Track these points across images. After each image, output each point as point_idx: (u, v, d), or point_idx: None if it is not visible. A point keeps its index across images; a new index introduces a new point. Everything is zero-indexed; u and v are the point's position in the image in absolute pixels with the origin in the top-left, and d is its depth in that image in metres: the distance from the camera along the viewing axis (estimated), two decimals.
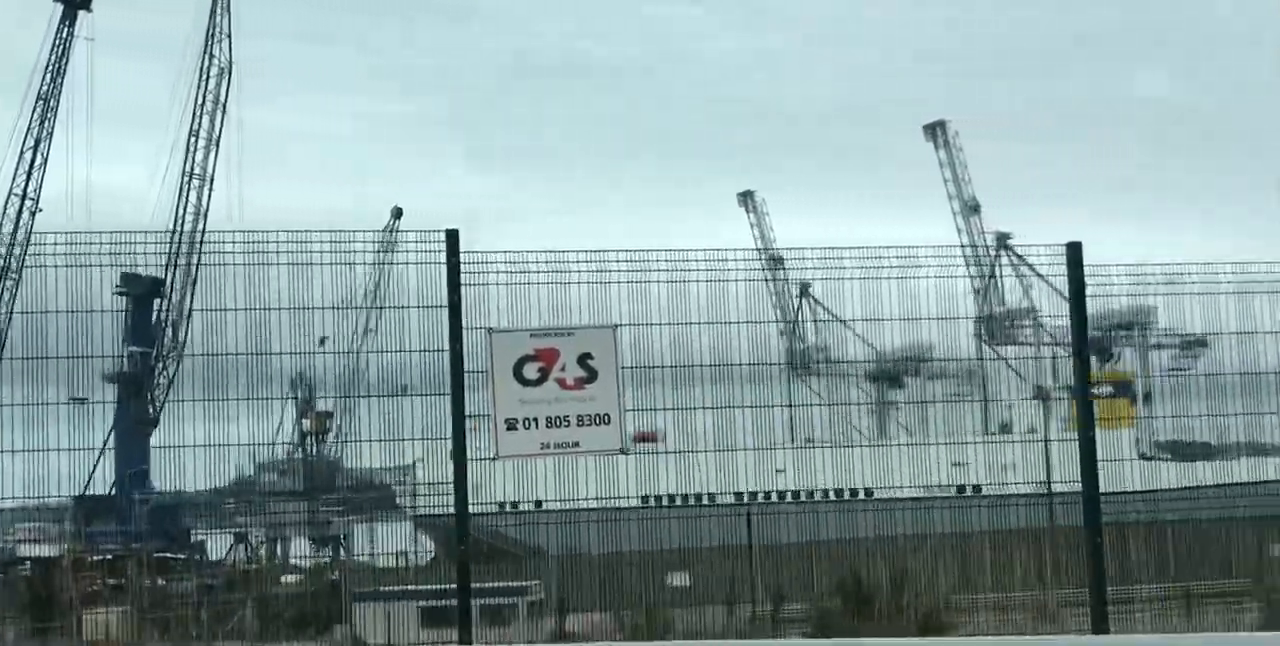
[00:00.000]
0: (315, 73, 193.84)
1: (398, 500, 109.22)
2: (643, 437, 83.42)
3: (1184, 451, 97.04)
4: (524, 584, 38.56)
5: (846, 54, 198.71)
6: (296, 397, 75.71)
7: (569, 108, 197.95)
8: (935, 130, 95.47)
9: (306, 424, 76.92)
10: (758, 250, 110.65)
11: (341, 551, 75.40)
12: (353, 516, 75.26)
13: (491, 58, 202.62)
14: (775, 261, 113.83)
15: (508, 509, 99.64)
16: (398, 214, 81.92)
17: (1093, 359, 76.77)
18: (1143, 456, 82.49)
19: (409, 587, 37.67)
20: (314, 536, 77.03)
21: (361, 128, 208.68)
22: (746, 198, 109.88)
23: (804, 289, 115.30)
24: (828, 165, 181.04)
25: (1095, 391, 69.78)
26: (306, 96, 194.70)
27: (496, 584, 39.08)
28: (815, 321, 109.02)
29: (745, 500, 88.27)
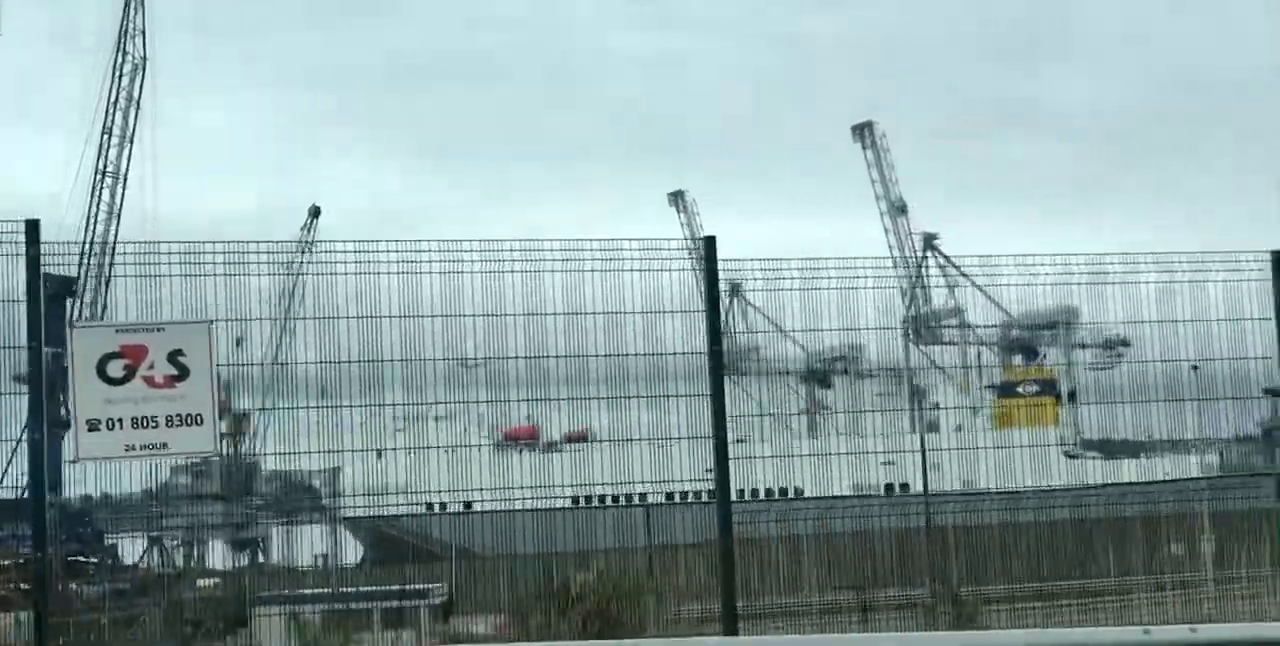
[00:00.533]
0: (228, 68, 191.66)
1: (323, 502, 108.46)
2: (574, 437, 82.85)
3: (1109, 449, 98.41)
4: (426, 586, 38.32)
5: (770, 53, 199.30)
6: (214, 397, 74.86)
7: (484, 104, 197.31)
8: (863, 131, 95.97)
9: (224, 425, 75.93)
10: (685, 246, 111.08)
11: (259, 555, 74.52)
12: (272, 519, 74.28)
13: (414, 53, 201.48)
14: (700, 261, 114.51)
15: (436, 509, 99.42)
16: (315, 212, 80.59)
17: (1018, 358, 77.72)
18: (1068, 455, 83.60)
19: (312, 591, 37.42)
20: (231, 539, 76.02)
21: (280, 124, 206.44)
22: (677, 197, 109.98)
23: (735, 289, 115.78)
24: (758, 164, 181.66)
25: (1021, 390, 70.72)
26: (226, 95, 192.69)
27: (394, 587, 38.90)
28: (746, 327, 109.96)
29: (676, 499, 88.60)
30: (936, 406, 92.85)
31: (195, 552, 71.23)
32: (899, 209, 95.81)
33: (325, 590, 37.34)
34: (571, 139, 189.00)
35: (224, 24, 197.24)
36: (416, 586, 37.20)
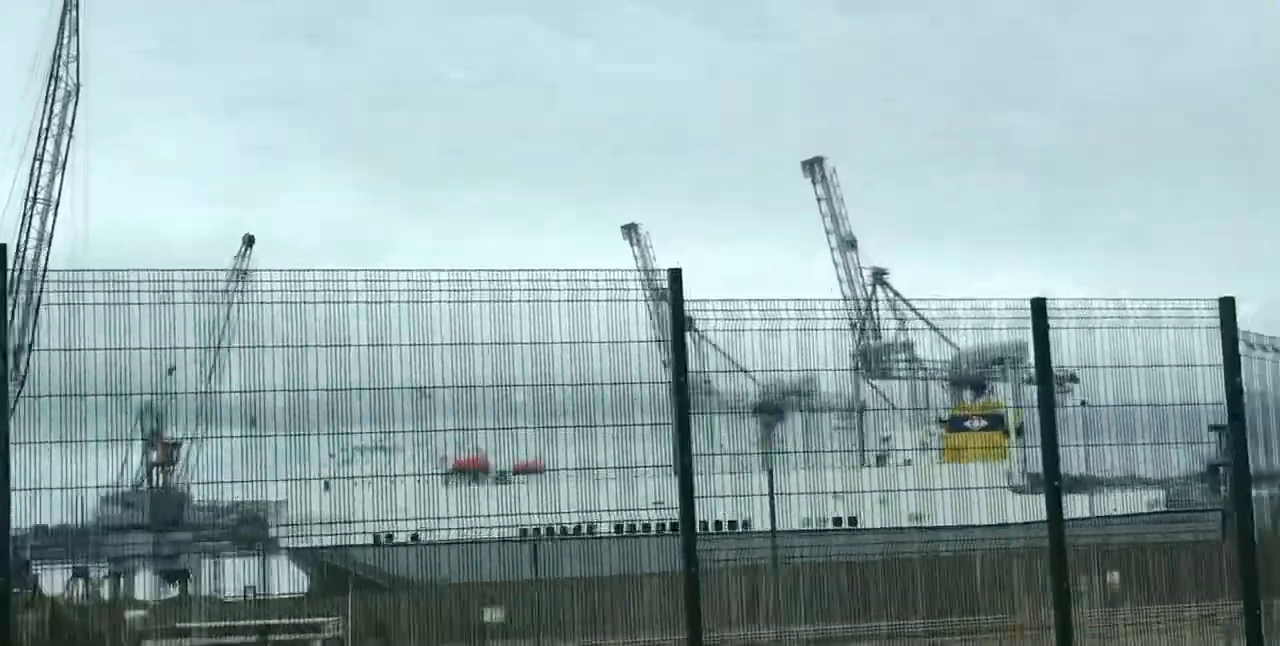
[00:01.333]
0: (173, 96, 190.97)
1: (271, 533, 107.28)
2: (524, 468, 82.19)
3: (1038, 487, 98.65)
4: (319, 620, 38.17)
5: (734, 86, 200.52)
6: (144, 428, 74.02)
7: (440, 133, 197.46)
8: (813, 166, 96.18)
9: (154, 455, 74.67)
10: (642, 278, 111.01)
11: (188, 585, 73.25)
12: (204, 550, 73.29)
13: (365, 83, 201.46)
14: (659, 293, 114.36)
15: (382, 540, 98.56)
16: (249, 241, 79.72)
17: (967, 393, 77.98)
18: (1015, 489, 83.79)
19: (195, 624, 37.32)
20: (161, 570, 74.77)
21: (229, 152, 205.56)
22: (630, 230, 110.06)
23: (689, 323, 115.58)
24: (713, 197, 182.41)
25: (969, 425, 71.03)
26: (173, 120, 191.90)
27: (288, 620, 38.74)
28: (699, 361, 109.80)
29: (610, 531, 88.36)
30: (886, 440, 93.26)
31: (122, 583, 69.94)
32: (848, 243, 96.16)
33: (210, 623, 37.28)
34: (533, 166, 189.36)
35: (184, 51, 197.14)
36: (311, 619, 37.05)
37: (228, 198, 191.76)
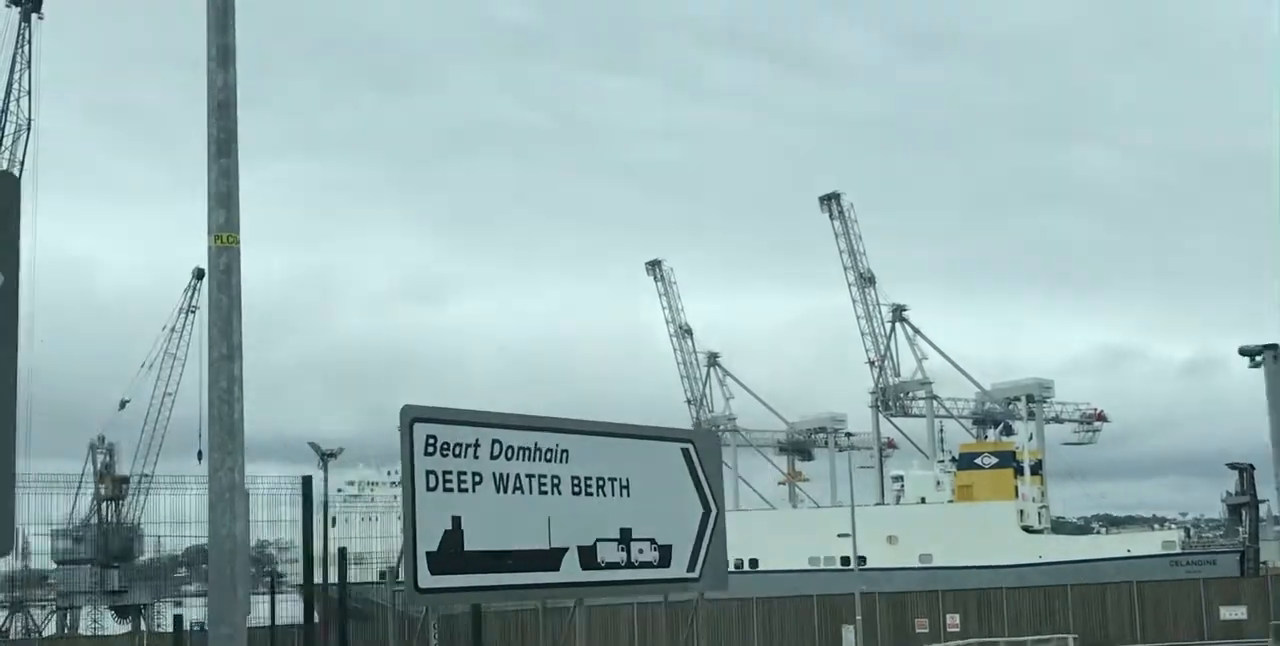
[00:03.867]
0: (243, 139, 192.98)
1: (277, 569, 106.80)
2: None
3: (1061, 527, 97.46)
4: None
5: (780, 129, 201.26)
6: (95, 461, 74.08)
7: (498, 174, 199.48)
8: (830, 202, 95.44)
9: (103, 489, 74.20)
10: (666, 320, 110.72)
11: (142, 622, 72.24)
12: (157, 585, 72.40)
13: (432, 128, 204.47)
14: (684, 332, 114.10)
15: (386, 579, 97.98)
16: (199, 274, 79.87)
17: (990, 431, 76.99)
18: (1026, 529, 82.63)
19: None
20: (114, 606, 73.94)
21: (290, 192, 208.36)
22: (654, 267, 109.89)
23: (712, 359, 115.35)
24: (775, 237, 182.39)
25: (979, 462, 70.47)
26: (244, 161, 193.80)
27: None
28: (724, 396, 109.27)
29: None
30: (899, 479, 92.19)
31: (68, 620, 68.82)
32: (867, 279, 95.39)
33: None
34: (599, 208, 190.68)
35: (252, 96, 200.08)
36: None
37: (298, 239, 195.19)
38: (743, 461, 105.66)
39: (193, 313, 73.30)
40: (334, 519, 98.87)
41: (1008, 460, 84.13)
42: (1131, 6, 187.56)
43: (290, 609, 48.02)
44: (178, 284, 76.70)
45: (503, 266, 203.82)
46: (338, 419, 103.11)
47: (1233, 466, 78.02)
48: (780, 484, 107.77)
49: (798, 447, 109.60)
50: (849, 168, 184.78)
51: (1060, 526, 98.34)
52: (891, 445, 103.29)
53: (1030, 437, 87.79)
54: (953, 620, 43.96)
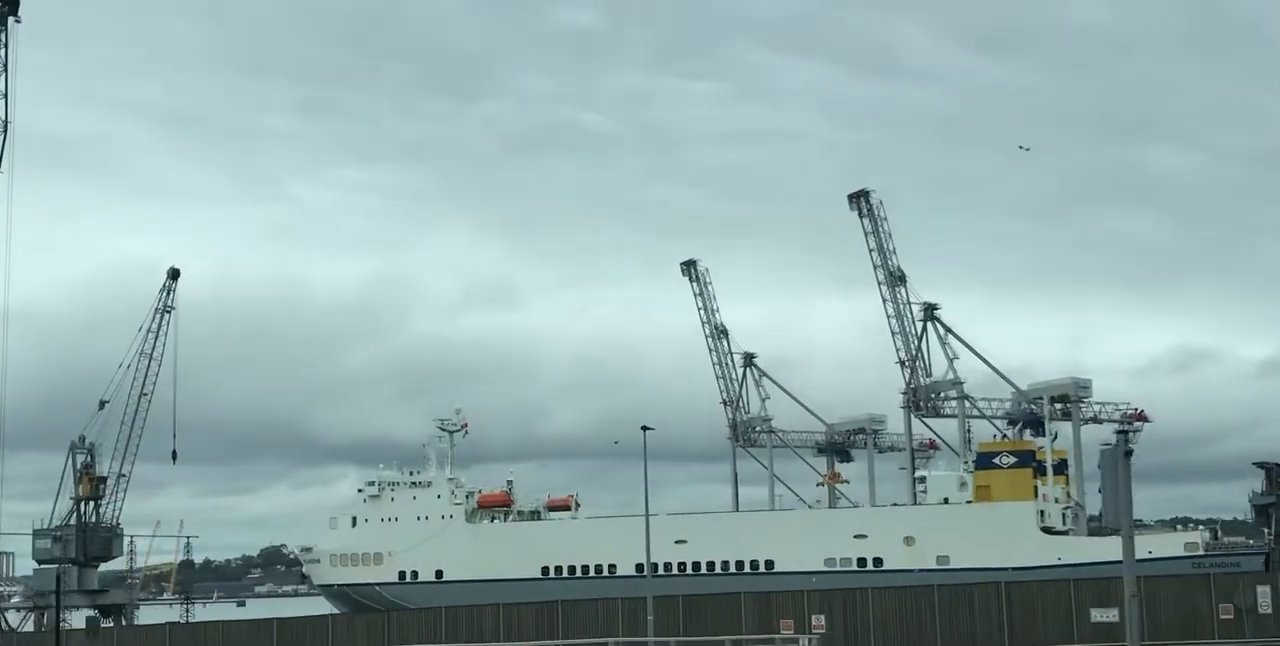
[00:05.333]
0: (317, 147, 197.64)
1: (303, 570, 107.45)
2: (555, 505, 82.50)
3: (1100, 529, 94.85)
4: None
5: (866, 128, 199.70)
6: (74, 461, 74.48)
7: (560, 179, 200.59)
8: (859, 200, 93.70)
9: (82, 489, 74.63)
10: (701, 321, 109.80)
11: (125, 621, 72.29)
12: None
13: (501, 132, 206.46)
14: (720, 332, 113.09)
15: (406, 579, 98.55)
16: (174, 274, 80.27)
17: (1027, 431, 75.05)
18: (1046, 530, 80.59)
19: None
20: (93, 605, 74.21)
21: (352, 198, 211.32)
22: (689, 267, 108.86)
23: (748, 359, 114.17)
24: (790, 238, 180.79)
25: (998, 462, 68.70)
26: (318, 170, 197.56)
27: None
28: (760, 396, 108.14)
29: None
30: (923, 480, 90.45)
31: (45, 620, 69.12)
32: (897, 278, 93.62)
33: None
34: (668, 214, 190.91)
35: (317, 101, 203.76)
36: None
37: (371, 244, 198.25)
38: (780, 464, 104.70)
39: (168, 313, 73.96)
40: (354, 519, 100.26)
41: (1027, 460, 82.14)
42: (1202, 4, 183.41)
43: None
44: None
45: (569, 270, 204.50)
46: (408, 423, 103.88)
47: (1260, 465, 75.78)
48: (819, 485, 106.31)
49: (836, 449, 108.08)
50: (912, 167, 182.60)
51: (1100, 529, 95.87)
52: (933, 446, 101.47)
53: (1055, 437, 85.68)
54: (818, 621, 42.92)
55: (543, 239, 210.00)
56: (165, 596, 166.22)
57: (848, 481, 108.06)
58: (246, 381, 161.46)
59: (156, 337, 73.51)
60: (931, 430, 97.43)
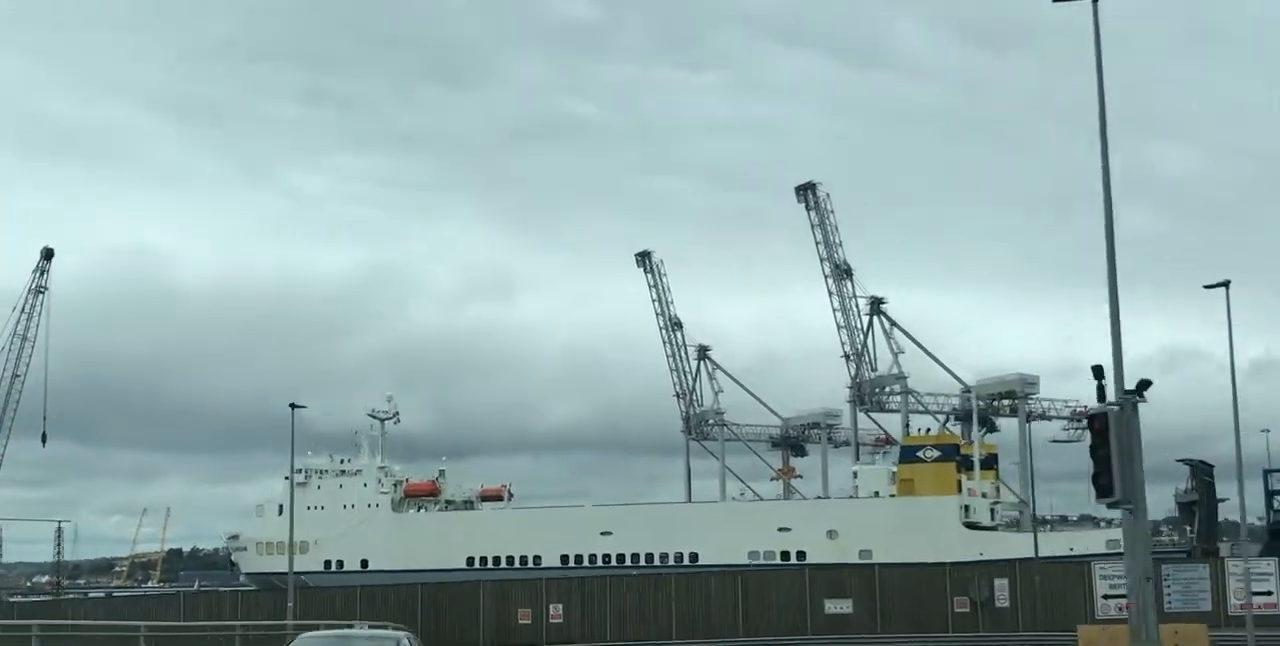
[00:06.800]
0: (315, 136, 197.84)
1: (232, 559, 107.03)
2: (487, 495, 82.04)
3: (1015, 523, 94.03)
4: None
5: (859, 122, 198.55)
6: None
7: (569, 169, 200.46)
8: (806, 192, 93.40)
9: None
10: (655, 313, 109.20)
11: None
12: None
13: (497, 122, 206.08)
14: (674, 324, 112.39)
15: (331, 568, 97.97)
16: (47, 255, 79.77)
17: (974, 427, 74.27)
18: (970, 525, 79.83)
19: None
20: None
21: (367, 189, 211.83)
22: (644, 258, 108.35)
23: (703, 351, 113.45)
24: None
25: (921, 455, 68.31)
26: (315, 158, 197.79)
27: None
28: (714, 390, 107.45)
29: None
30: (854, 475, 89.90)
31: None
32: (843, 271, 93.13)
33: None
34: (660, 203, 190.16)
35: (318, 91, 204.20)
36: None
37: (367, 233, 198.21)
38: (735, 458, 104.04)
39: (41, 293, 73.52)
40: (280, 507, 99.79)
41: (951, 453, 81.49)
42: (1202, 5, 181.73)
43: None
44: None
45: (566, 261, 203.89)
46: (403, 412, 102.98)
47: (1184, 462, 74.74)
48: (773, 479, 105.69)
49: (791, 443, 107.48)
50: (912, 162, 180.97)
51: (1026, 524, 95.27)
52: (888, 441, 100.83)
53: (985, 432, 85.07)
54: (556, 611, 42.54)
55: (540, 228, 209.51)
56: (150, 584, 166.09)
57: (801, 476, 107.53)
58: (243, 369, 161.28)
59: (30, 318, 73.08)
60: (879, 425, 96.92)
